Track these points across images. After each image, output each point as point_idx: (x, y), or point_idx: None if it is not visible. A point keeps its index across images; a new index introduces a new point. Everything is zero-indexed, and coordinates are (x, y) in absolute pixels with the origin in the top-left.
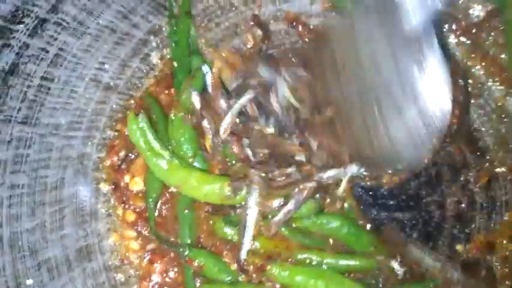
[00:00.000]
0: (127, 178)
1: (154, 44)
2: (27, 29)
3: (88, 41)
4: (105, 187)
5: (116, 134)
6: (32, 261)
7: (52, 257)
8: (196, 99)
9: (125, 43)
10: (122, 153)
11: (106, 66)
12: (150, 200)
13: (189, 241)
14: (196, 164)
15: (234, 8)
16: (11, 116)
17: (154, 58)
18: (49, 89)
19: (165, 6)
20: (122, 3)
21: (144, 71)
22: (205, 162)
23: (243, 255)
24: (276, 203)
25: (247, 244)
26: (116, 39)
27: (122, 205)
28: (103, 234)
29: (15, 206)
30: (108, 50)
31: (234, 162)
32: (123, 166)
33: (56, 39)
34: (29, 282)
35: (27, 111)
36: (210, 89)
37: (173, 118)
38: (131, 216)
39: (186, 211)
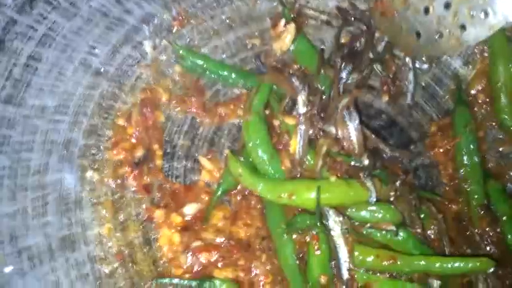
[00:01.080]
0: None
1: (147, 33)
2: (16, 5)
3: (79, 23)
4: (92, 176)
5: (118, 127)
6: (11, 247)
7: (33, 245)
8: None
9: (117, 29)
10: (140, 153)
11: (97, 50)
12: (220, 192)
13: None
14: (272, 167)
15: (229, 2)
16: None
17: (147, 47)
18: (36, 69)
19: None
20: None
21: (136, 58)
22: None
23: (345, 275)
24: None
25: (345, 264)
26: (107, 24)
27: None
28: (88, 224)
29: None
30: (99, 34)
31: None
32: (146, 166)
33: (45, 17)
34: (8, 269)
35: (12, 90)
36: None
37: (247, 123)
38: (177, 219)
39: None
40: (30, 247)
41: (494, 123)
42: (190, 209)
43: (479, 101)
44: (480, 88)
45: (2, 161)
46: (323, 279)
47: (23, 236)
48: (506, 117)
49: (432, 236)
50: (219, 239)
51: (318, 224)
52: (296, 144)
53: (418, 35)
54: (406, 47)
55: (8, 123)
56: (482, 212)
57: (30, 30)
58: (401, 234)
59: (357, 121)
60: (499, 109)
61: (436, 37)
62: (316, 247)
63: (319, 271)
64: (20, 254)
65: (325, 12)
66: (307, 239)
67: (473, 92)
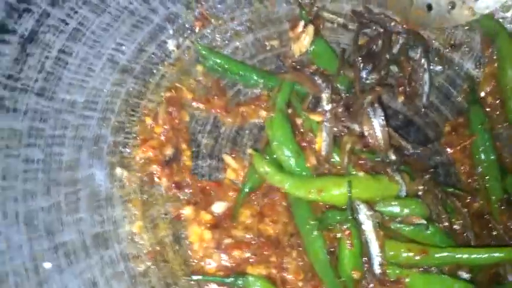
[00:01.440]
0: None
1: (171, 32)
2: None
3: (107, 19)
4: (121, 173)
5: (144, 125)
6: (48, 242)
7: (69, 241)
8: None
9: (143, 27)
10: (169, 152)
11: (123, 48)
12: (246, 189)
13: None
14: (298, 164)
15: (249, 4)
16: (28, 86)
17: (171, 46)
18: (67, 63)
19: None
20: None
21: (160, 57)
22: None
23: (377, 270)
24: None
25: (377, 259)
26: (134, 22)
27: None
28: (119, 222)
29: (30, 182)
30: (125, 31)
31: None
32: (176, 164)
33: (76, 12)
34: (47, 265)
35: (44, 83)
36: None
37: (271, 120)
38: (206, 216)
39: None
40: (66, 243)
41: (506, 124)
42: (219, 207)
43: (489, 103)
44: (489, 90)
45: (35, 153)
46: (356, 275)
47: (58, 231)
48: None
49: (458, 231)
50: (249, 236)
51: (350, 218)
52: (322, 141)
53: (430, 7)
54: (416, 21)
55: (41, 116)
56: (503, 207)
57: (61, 24)
58: (430, 228)
59: (382, 117)
60: (509, 110)
61: (449, 8)
62: (348, 242)
63: (351, 266)
64: (56, 250)
65: (342, 15)
66: (338, 235)
67: (482, 94)
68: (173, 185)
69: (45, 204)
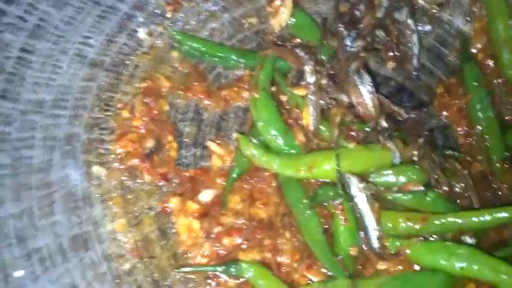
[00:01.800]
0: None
1: (141, 19)
2: None
3: (70, 12)
4: (98, 170)
5: (121, 119)
6: (20, 250)
7: (44, 246)
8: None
9: (110, 17)
10: (150, 144)
11: (91, 41)
12: (234, 175)
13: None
14: (286, 142)
15: None
16: None
17: (142, 34)
18: (30, 61)
19: None
20: None
21: (132, 47)
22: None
23: (375, 244)
24: None
25: (374, 232)
26: (99, 13)
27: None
28: (99, 221)
29: None
30: (91, 23)
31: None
32: (156, 157)
33: (35, 8)
34: (18, 273)
35: (6, 85)
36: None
37: (255, 100)
38: (193, 206)
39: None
40: (41, 249)
41: (500, 80)
42: (206, 196)
43: (480, 60)
44: (480, 47)
45: (1, 159)
46: (353, 251)
47: (31, 237)
48: (511, 72)
49: (460, 194)
50: (240, 221)
51: (342, 193)
52: (309, 116)
53: None
54: None
55: (5, 120)
56: (506, 165)
57: (20, 21)
58: (429, 194)
59: (370, 83)
60: (503, 66)
61: None
62: (342, 218)
63: (348, 243)
64: (30, 256)
65: None
66: (332, 211)
67: (474, 51)
68: (159, 177)
69: (16, 210)
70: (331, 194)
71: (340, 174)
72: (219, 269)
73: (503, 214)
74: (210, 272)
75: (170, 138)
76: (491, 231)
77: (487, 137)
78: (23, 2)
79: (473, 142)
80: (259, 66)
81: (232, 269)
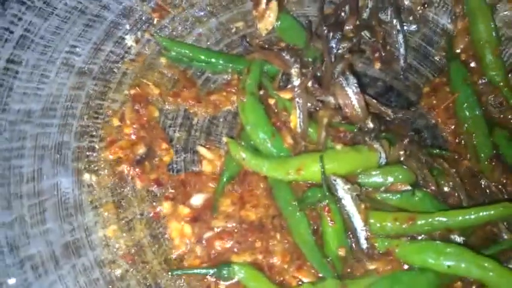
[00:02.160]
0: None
1: (127, 27)
2: None
3: (56, 22)
4: (89, 178)
5: (111, 126)
6: (12, 258)
7: (36, 254)
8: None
9: (96, 25)
10: (141, 151)
11: (78, 49)
12: (224, 179)
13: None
14: (275, 145)
15: None
16: None
17: (129, 41)
18: (17, 72)
19: None
20: None
21: (119, 54)
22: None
23: (364, 244)
24: None
25: (362, 233)
26: (85, 22)
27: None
28: (91, 228)
29: None
30: (78, 32)
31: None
32: (147, 163)
33: (20, 19)
34: (11, 281)
35: None
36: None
37: (243, 104)
38: (185, 210)
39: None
40: (33, 256)
41: (483, 80)
42: (198, 200)
43: (463, 59)
44: (463, 47)
45: None
46: (341, 252)
47: (23, 245)
48: (494, 73)
49: (449, 192)
50: (231, 225)
51: (327, 194)
52: (296, 118)
53: None
54: None
55: None
56: (493, 163)
57: (6, 33)
58: (417, 194)
59: (356, 84)
60: (486, 67)
61: None
62: (329, 219)
63: (336, 244)
64: (22, 264)
65: None
66: (320, 213)
67: (457, 51)
68: (153, 182)
69: (7, 219)
70: (320, 195)
71: (325, 176)
72: (211, 271)
73: (489, 212)
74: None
75: (165, 145)
76: (479, 229)
77: (474, 135)
78: (7, 13)
79: (462, 141)
80: (246, 70)
81: (224, 271)
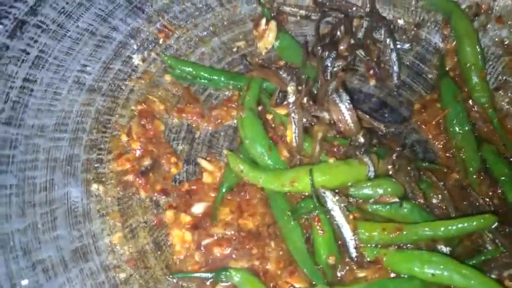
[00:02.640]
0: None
1: (135, 47)
2: (6, 30)
3: (69, 43)
4: (97, 188)
5: (118, 140)
6: (25, 261)
7: (47, 258)
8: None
9: (106, 46)
10: (147, 163)
11: (88, 68)
12: (223, 190)
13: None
14: (272, 159)
15: (210, 9)
16: None
17: (136, 60)
18: (32, 90)
19: (143, 10)
20: (100, 7)
21: (127, 73)
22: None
23: (353, 253)
24: None
25: (351, 242)
26: (96, 42)
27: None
28: (98, 235)
29: (3, 206)
30: (89, 52)
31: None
32: (151, 174)
33: (36, 41)
34: (25, 282)
35: (11, 112)
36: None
37: (241, 119)
38: (186, 218)
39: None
40: (44, 260)
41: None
42: (199, 208)
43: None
44: (451, 66)
45: (9, 179)
46: (331, 260)
47: (36, 250)
48: (479, 94)
49: (438, 205)
50: (229, 232)
51: (317, 205)
52: (292, 133)
53: None
54: None
55: (11, 144)
56: (481, 177)
57: (23, 54)
58: (405, 206)
59: (348, 101)
60: (472, 88)
61: None
62: (319, 228)
63: (326, 252)
64: (34, 267)
65: (303, 7)
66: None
67: (447, 69)
68: (160, 192)
69: (21, 226)
70: (312, 206)
71: (315, 189)
72: (209, 275)
73: (471, 223)
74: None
75: (174, 159)
76: (466, 239)
77: (463, 150)
78: (25, 37)
79: (451, 155)
80: (246, 87)
81: (222, 276)
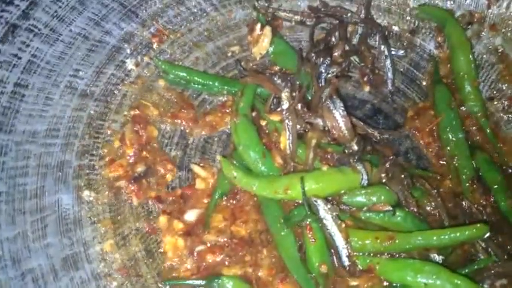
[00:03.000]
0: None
1: (128, 51)
2: None
3: (61, 48)
4: (88, 195)
5: (111, 146)
6: (14, 271)
7: (37, 267)
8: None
9: (99, 50)
10: (140, 169)
11: (81, 73)
12: (217, 196)
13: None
14: (265, 165)
15: (204, 14)
16: None
17: (130, 64)
18: (23, 95)
19: (137, 14)
20: (93, 11)
21: (120, 77)
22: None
23: (346, 261)
24: None
25: (343, 250)
26: (89, 46)
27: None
28: (89, 242)
29: None
30: (82, 57)
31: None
32: (145, 181)
33: (28, 45)
34: None
35: (2, 118)
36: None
37: (235, 125)
38: (179, 225)
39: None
40: (34, 269)
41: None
42: (192, 215)
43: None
44: (445, 73)
45: None
46: (323, 269)
47: (25, 259)
48: (472, 103)
49: (432, 212)
50: (222, 239)
51: (309, 213)
52: (285, 139)
53: None
54: None
55: (1, 150)
56: (474, 185)
57: (14, 59)
58: (399, 214)
59: (342, 107)
60: (464, 97)
61: None
62: (310, 236)
63: (318, 260)
64: (24, 276)
65: (298, 12)
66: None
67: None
68: (153, 199)
69: (10, 234)
70: (305, 214)
71: (306, 197)
72: (202, 282)
73: (463, 233)
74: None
75: (170, 166)
76: (459, 248)
77: (457, 157)
78: (16, 41)
79: (445, 163)
80: (240, 93)
81: (214, 283)
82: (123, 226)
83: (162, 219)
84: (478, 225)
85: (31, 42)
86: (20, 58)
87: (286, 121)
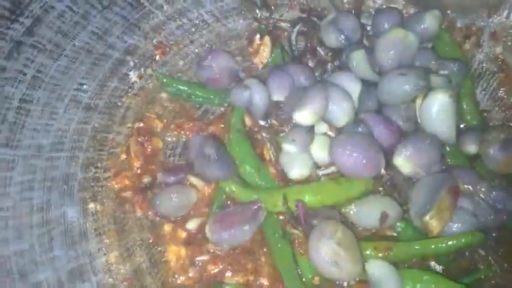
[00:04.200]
0: None
1: (131, 64)
2: (3, 52)
3: (65, 62)
4: (94, 207)
5: (116, 158)
6: (22, 284)
7: (43, 280)
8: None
9: (102, 63)
10: (146, 180)
11: (85, 86)
12: (215, 208)
13: None
14: (261, 178)
15: (206, 25)
16: None
17: (133, 77)
18: (29, 110)
19: (139, 27)
20: (96, 25)
21: (123, 90)
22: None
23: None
24: None
25: None
26: (92, 60)
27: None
28: (94, 254)
29: (1, 230)
30: (85, 70)
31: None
32: (150, 192)
33: (32, 61)
34: None
35: (8, 134)
36: None
37: (229, 141)
38: (182, 234)
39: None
40: (41, 282)
41: None
42: (193, 224)
43: None
44: None
45: (5, 202)
46: (316, 281)
47: (32, 272)
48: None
49: None
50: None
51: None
52: (268, 151)
53: None
54: None
55: (8, 166)
56: None
57: (19, 75)
58: (399, 225)
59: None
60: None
61: None
62: (299, 249)
63: (310, 273)
64: None
65: (298, 22)
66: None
67: None
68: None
69: (18, 248)
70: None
71: (290, 211)
72: None
73: (459, 241)
74: None
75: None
76: (459, 257)
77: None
78: (21, 57)
79: None
80: (231, 108)
81: None
82: (127, 237)
83: (167, 228)
84: (474, 232)
85: (35, 58)
86: (25, 74)
87: (264, 134)
